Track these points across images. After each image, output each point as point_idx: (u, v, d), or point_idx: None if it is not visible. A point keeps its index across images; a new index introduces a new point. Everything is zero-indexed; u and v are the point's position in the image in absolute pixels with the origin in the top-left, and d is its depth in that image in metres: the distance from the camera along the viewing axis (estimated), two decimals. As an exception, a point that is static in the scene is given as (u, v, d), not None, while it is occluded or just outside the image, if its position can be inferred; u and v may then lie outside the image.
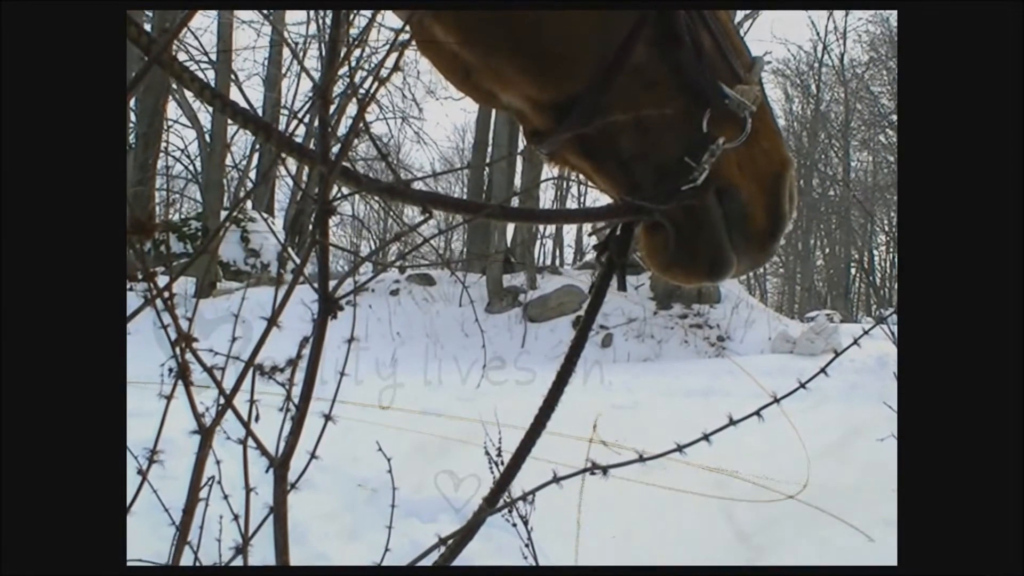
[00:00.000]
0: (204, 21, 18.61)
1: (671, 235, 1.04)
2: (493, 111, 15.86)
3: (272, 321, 0.88)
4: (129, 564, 0.75)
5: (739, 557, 3.49)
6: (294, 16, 20.24)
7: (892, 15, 21.79)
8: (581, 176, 1.15)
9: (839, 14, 27.27)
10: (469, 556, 1.23)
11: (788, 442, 4.12)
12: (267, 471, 0.89)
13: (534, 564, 1.78)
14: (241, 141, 21.76)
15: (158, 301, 0.83)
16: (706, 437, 1.13)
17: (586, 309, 1.16)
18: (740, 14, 15.37)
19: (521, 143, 16.54)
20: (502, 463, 2.13)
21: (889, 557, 0.87)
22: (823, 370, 1.22)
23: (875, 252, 28.46)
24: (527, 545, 1.81)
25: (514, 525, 1.77)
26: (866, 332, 1.32)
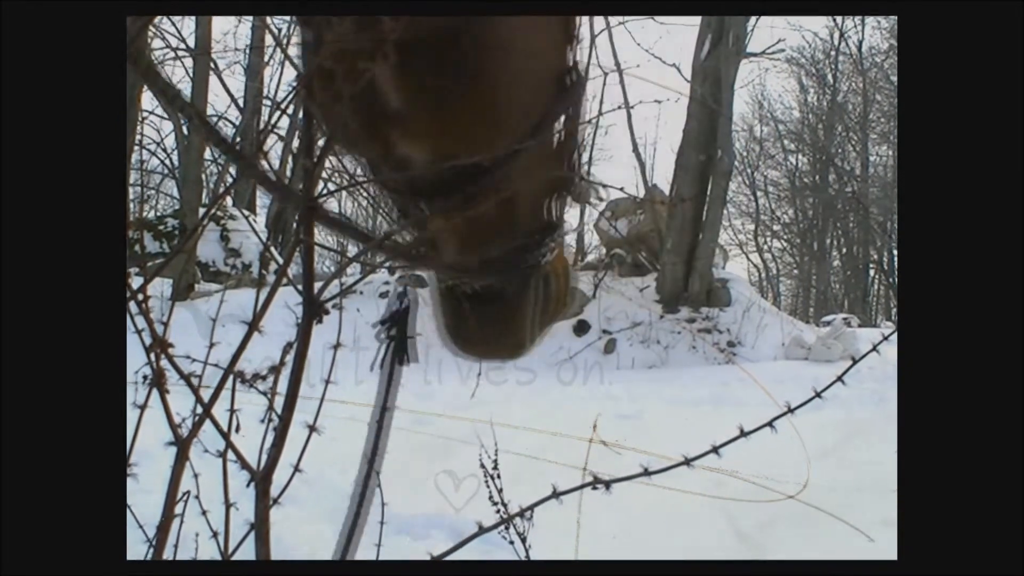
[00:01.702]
0: (181, 5, 18.54)
1: (494, 308, 1.08)
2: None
3: (253, 325, 0.88)
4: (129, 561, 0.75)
5: (739, 557, 3.59)
6: (277, 0, 20.16)
7: None
8: (582, 171, 1.16)
9: None
10: None
11: (788, 442, 4.19)
12: (248, 485, 0.89)
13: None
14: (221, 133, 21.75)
15: (132, 304, 0.83)
16: (715, 449, 1.13)
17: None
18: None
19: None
20: (498, 475, 2.14)
21: (889, 558, 0.89)
22: (839, 378, 1.22)
23: (895, 252, 28.53)
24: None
25: (511, 543, 1.77)
26: (886, 338, 1.32)
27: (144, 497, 1.15)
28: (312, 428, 1.00)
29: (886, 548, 3.41)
